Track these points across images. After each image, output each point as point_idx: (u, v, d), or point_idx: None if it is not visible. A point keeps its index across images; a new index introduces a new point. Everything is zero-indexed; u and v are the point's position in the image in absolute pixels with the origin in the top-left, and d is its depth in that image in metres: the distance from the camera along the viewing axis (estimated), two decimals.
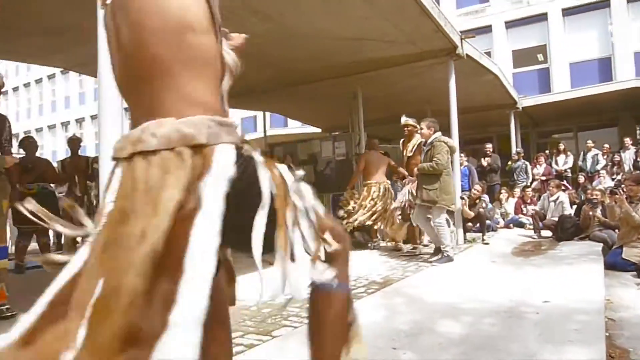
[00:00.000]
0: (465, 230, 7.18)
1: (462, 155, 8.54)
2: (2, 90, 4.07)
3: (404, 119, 6.56)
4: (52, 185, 6.62)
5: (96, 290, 0.96)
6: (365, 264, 5.61)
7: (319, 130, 14.57)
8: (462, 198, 7.15)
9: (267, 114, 12.37)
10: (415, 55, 7.31)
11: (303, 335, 2.83)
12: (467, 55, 7.29)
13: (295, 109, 12.46)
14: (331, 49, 7.32)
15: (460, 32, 7.20)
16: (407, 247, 6.60)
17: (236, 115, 24.21)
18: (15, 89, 36.57)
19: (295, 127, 18.40)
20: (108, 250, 1.00)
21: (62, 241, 7.44)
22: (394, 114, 12.29)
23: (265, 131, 11.67)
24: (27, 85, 35.59)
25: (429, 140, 5.68)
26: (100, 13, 1.64)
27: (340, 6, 5.82)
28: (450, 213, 6.12)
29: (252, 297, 3.68)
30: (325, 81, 8.58)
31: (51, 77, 34.02)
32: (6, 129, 4.06)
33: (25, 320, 1.02)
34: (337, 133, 12.43)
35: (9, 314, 3.62)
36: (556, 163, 10.98)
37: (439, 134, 5.71)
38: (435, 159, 5.46)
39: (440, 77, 7.72)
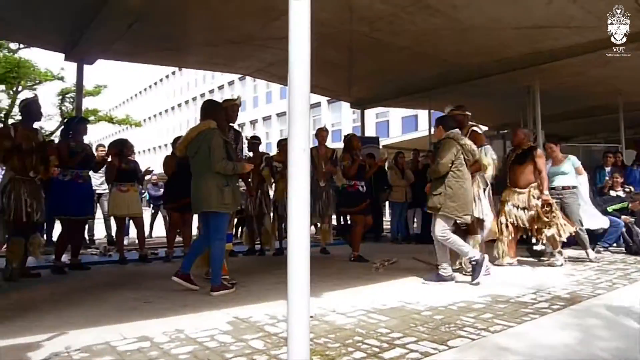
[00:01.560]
0: None
1: None
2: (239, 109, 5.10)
3: (447, 109, 5.47)
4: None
5: None
6: (542, 275, 5.08)
7: (486, 128, 13.72)
8: None
9: (431, 112, 12.03)
10: (606, 40, 6.34)
11: (483, 349, 2.65)
12: None
13: None
14: (505, 41, 6.79)
15: None
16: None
17: (396, 114, 24.22)
18: (202, 96, 41.68)
19: None
20: None
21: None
22: (575, 109, 11.05)
23: (430, 130, 11.37)
24: (211, 91, 40.31)
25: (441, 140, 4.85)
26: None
27: None
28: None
29: (422, 301, 3.56)
30: (496, 76, 8.00)
31: (230, 83, 38.07)
32: (240, 142, 5.08)
33: None
34: (506, 131, 11.55)
35: (231, 284, 4.44)
36: None
37: (455, 131, 4.83)
38: (438, 159, 4.66)
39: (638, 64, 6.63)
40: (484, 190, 5.20)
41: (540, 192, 5.61)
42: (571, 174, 6.28)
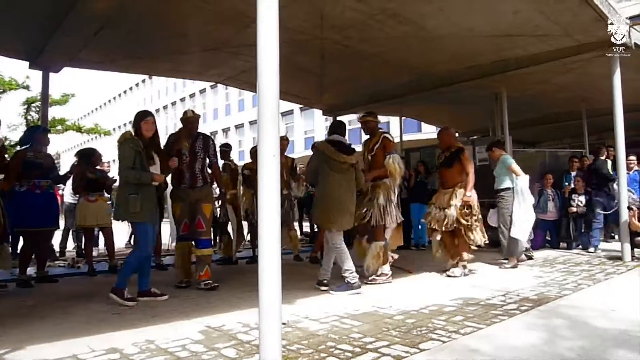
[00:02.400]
0: (634, 246, 6.26)
1: (632, 158, 7.50)
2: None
3: (360, 116, 5.48)
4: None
5: None
6: (512, 278, 5.19)
7: (456, 134, 13.97)
8: (629, 208, 6.25)
9: (403, 118, 12.19)
10: (570, 48, 6.59)
11: (453, 351, 2.69)
12: (635, 44, 6.33)
13: (432, 113, 12.11)
14: (474, 49, 6.95)
15: (628, 18, 6.31)
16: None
17: None
18: (174, 104, 41.21)
19: (429, 131, 17.95)
20: None
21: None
22: (541, 116, 11.38)
23: (401, 136, 11.52)
24: (182, 99, 39.90)
25: None
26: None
27: (487, 1, 5.50)
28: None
29: (394, 306, 3.59)
30: (465, 83, 8.17)
31: (202, 91, 37.76)
32: (210, 146, 5.20)
33: None
34: (475, 137, 11.79)
35: (210, 287, 4.74)
36: None
37: (332, 137, 4.87)
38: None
39: (601, 72, 6.87)
40: (390, 197, 5.12)
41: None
42: (504, 175, 6.17)
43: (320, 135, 25.22)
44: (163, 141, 4.91)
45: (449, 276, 5.36)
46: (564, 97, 9.59)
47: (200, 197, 4.92)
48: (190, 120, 5.20)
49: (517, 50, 6.94)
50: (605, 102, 6.73)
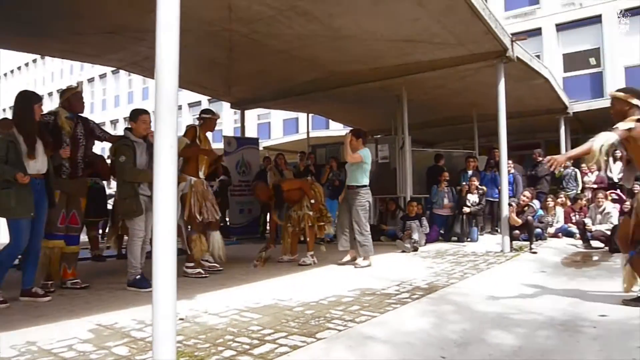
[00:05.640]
0: (512, 238, 6.92)
1: (509, 162, 8.26)
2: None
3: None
4: (103, 181, 6.89)
5: None
6: (407, 269, 5.51)
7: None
8: (510, 205, 6.91)
9: (310, 115, 12.38)
10: (463, 57, 7.13)
11: (348, 338, 2.81)
12: (517, 58, 7.02)
13: (339, 111, 12.43)
14: (378, 51, 7.24)
15: (511, 34, 6.96)
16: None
17: (278, 116, 24.47)
18: None
19: (336, 129, 18.38)
20: None
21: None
22: (438, 118, 12.15)
23: (308, 132, 11.69)
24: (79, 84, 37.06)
25: None
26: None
27: (390, 7, 5.75)
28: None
29: (294, 298, 3.64)
30: (369, 84, 8.50)
31: (102, 76, 35.40)
32: (94, 127, 4.88)
33: None
34: (379, 136, 12.31)
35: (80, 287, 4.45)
36: (610, 171, 10.41)
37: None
38: None
39: (488, 81, 7.49)
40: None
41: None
42: (362, 171, 5.87)
43: (228, 128, 24.81)
44: None
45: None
46: (458, 102, 10.31)
47: (78, 189, 4.60)
48: (75, 95, 4.60)
49: (418, 55, 7.34)
50: (492, 108, 7.35)
